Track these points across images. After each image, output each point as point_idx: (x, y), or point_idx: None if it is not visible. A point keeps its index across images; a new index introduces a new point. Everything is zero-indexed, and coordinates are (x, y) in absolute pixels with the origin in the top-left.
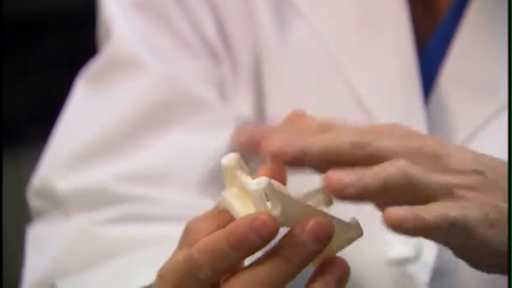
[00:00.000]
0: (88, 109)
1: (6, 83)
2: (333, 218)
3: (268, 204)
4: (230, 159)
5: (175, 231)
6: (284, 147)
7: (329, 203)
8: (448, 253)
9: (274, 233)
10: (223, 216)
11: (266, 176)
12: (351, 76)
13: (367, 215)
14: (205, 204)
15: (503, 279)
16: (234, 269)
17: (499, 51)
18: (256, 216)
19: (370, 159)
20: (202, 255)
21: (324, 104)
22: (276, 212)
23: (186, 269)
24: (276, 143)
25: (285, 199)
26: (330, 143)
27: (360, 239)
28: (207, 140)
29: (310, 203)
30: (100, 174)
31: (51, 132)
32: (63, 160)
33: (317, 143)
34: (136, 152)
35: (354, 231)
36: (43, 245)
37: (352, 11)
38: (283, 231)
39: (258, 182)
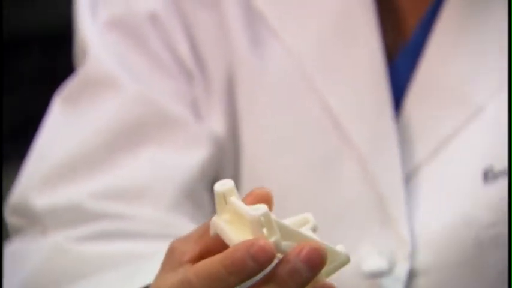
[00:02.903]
0: (64, 128)
1: None
2: (324, 245)
3: (265, 230)
4: (225, 185)
5: (150, 249)
6: None
7: (315, 230)
8: (421, 266)
9: (271, 259)
10: (207, 238)
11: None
12: (324, 93)
13: (343, 228)
14: (178, 221)
15: None
16: None
17: (467, 63)
18: (253, 242)
19: None
20: (199, 279)
21: (297, 120)
22: (273, 238)
23: None
24: None
25: (280, 226)
26: None
27: None
28: (181, 158)
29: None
30: (75, 192)
31: (30, 149)
32: (40, 178)
33: None
34: (111, 169)
35: (342, 258)
36: (19, 262)
37: (323, 29)
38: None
39: (257, 209)
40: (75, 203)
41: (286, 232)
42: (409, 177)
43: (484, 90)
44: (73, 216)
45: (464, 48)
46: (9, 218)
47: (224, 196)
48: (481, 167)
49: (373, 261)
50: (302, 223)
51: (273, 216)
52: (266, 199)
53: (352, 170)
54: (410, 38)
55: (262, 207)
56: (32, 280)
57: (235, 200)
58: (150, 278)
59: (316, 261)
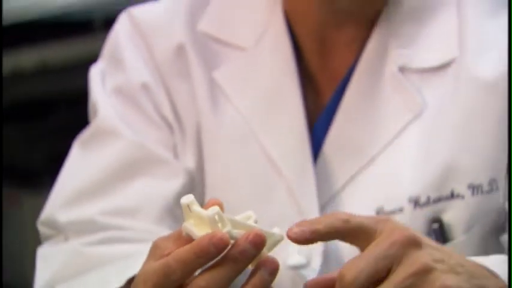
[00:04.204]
0: (80, 164)
1: (29, 145)
2: (263, 230)
3: (220, 225)
4: (188, 198)
5: (140, 250)
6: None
7: (256, 222)
8: (331, 261)
9: (226, 245)
10: (182, 237)
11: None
12: (264, 143)
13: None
14: (162, 231)
15: None
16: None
17: (365, 125)
18: (214, 235)
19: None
20: (175, 262)
21: (245, 161)
22: (226, 229)
23: (163, 273)
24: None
25: (231, 220)
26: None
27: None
28: (164, 186)
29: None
30: (89, 210)
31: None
32: (63, 200)
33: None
34: (113, 194)
35: (277, 237)
36: (47, 261)
37: (263, 97)
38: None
39: (211, 210)
40: (88, 218)
41: (236, 224)
42: (327, 204)
43: (376, 145)
44: (86, 227)
45: (364, 114)
46: (41, 229)
47: (188, 206)
48: (374, 207)
49: (295, 258)
50: (247, 218)
51: (224, 214)
52: (218, 205)
53: (282, 196)
54: (327, 103)
55: (215, 208)
56: (58, 273)
57: (196, 207)
58: (138, 268)
59: (259, 243)
